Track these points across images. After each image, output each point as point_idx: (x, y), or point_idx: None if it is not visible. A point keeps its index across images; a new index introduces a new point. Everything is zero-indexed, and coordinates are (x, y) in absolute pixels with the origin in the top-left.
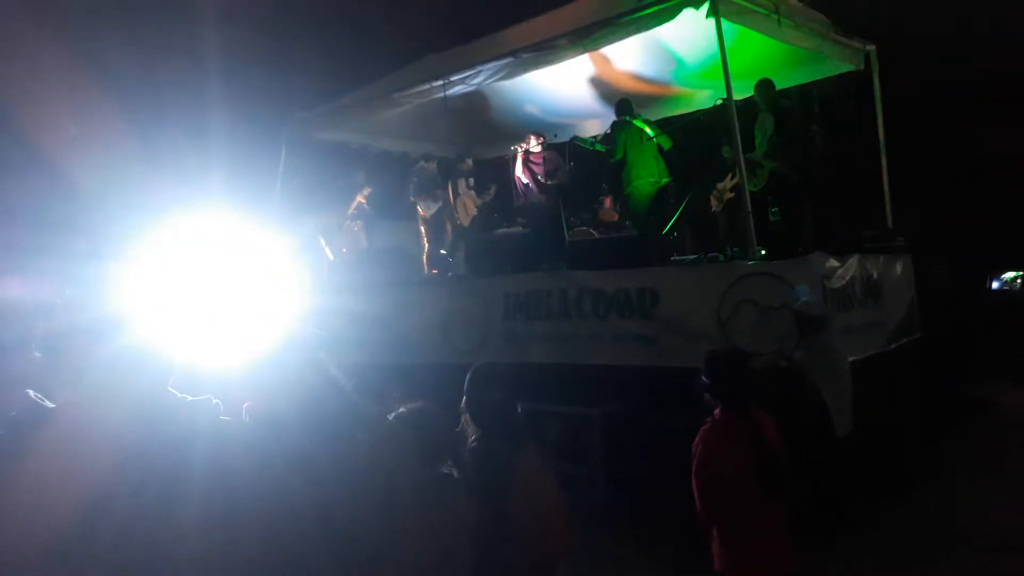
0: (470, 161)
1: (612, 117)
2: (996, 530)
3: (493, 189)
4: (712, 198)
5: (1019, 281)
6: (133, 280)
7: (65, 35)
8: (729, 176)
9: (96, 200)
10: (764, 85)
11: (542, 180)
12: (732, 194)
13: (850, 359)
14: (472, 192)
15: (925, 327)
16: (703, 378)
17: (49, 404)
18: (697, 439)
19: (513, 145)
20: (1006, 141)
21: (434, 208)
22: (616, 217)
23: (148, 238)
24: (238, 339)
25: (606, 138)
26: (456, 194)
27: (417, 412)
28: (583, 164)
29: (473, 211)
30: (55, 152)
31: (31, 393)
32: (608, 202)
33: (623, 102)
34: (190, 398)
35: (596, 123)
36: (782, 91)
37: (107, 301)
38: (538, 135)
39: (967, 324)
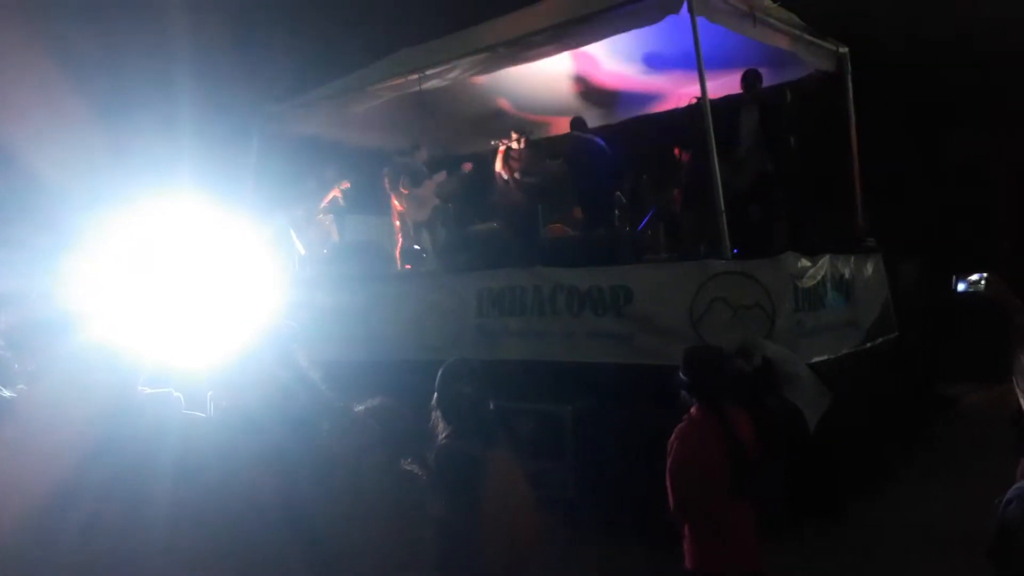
0: (424, 152)
1: (589, 113)
2: (962, 527)
3: (469, 166)
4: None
5: (982, 282)
6: (99, 274)
7: (30, 24)
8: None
9: (61, 193)
10: (751, 76)
11: (518, 178)
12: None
13: (824, 357)
14: (431, 183)
15: (899, 327)
16: (681, 375)
17: (6, 393)
18: (673, 436)
19: (493, 141)
20: (972, 142)
21: (408, 203)
22: None
23: (115, 231)
24: (208, 334)
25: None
26: (404, 190)
27: (376, 409)
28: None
29: (435, 201)
30: (18, 143)
31: None
32: None
33: (577, 120)
34: (148, 390)
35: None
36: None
37: (72, 295)
38: (519, 132)
39: (936, 324)
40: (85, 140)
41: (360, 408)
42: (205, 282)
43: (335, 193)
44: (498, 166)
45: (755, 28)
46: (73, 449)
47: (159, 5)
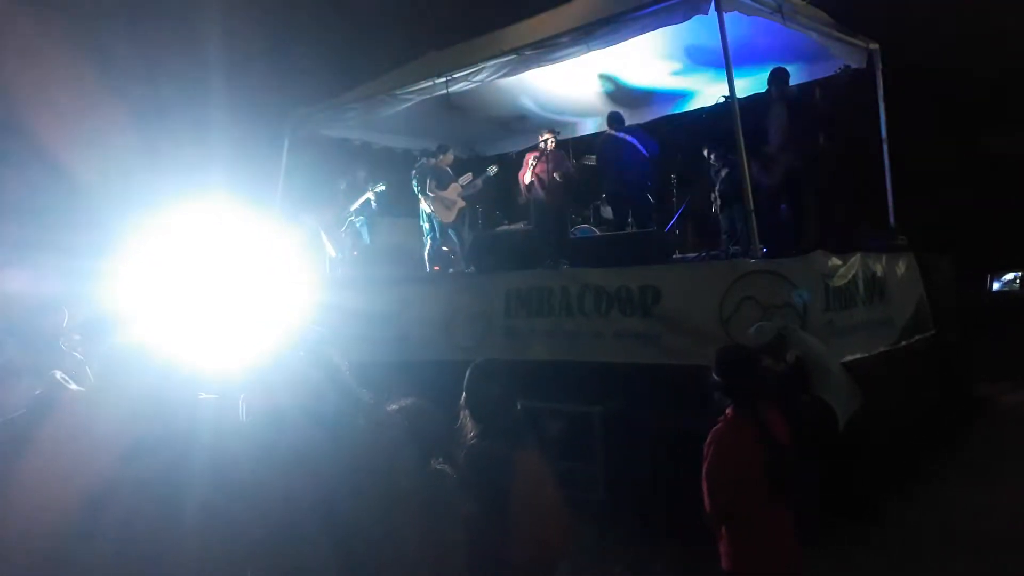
0: (450, 155)
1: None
2: (996, 529)
3: (494, 169)
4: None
5: (1018, 282)
6: (135, 275)
7: (67, 28)
8: None
9: (98, 195)
10: (778, 74)
11: (552, 176)
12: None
13: (858, 356)
14: (457, 185)
15: (936, 325)
16: (714, 376)
17: (73, 386)
18: (709, 439)
19: (523, 146)
20: (1005, 140)
21: (437, 204)
22: None
23: (150, 234)
24: (242, 334)
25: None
26: (431, 192)
27: (408, 409)
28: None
29: (461, 204)
30: (56, 147)
31: (57, 374)
32: None
33: (614, 115)
34: (203, 395)
35: (598, 121)
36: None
37: (110, 297)
38: (552, 131)
39: (970, 323)
40: (121, 144)
41: (393, 407)
42: (237, 284)
43: (368, 196)
44: (527, 176)
45: (784, 25)
46: (111, 447)
47: (193, 11)
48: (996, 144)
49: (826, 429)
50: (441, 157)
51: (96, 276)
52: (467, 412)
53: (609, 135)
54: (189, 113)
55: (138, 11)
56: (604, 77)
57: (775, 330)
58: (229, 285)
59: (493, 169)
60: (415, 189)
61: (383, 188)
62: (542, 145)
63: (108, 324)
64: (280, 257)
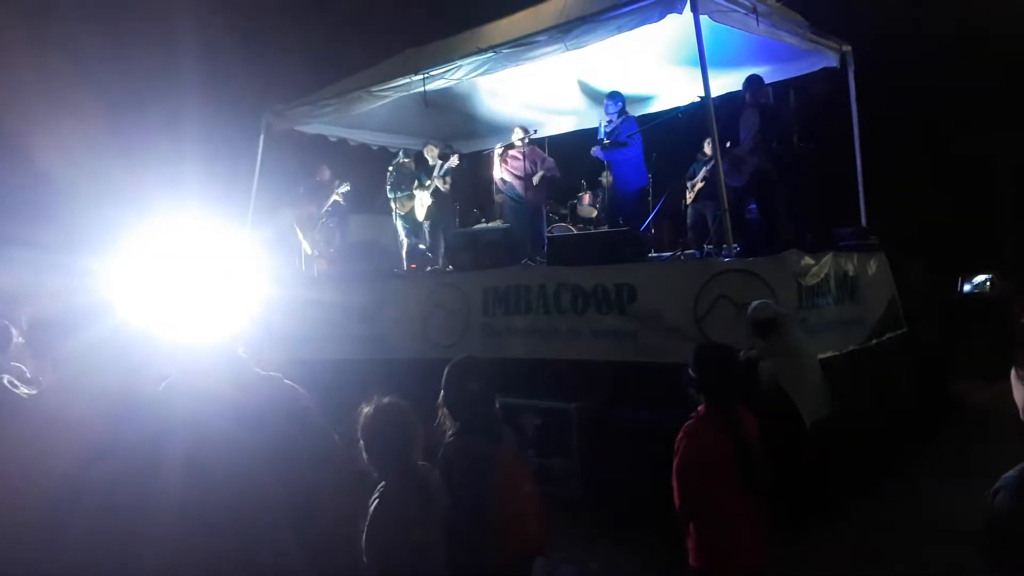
0: (455, 158)
1: (591, 113)
2: (963, 525)
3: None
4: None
5: (988, 284)
6: (106, 271)
7: (40, 23)
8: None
9: (69, 190)
10: (753, 80)
11: (530, 174)
12: (703, 183)
13: (829, 354)
14: (442, 179)
15: (909, 323)
16: (690, 373)
17: (23, 391)
18: (680, 434)
19: (498, 144)
20: (976, 143)
21: (410, 205)
22: (594, 213)
23: (122, 229)
24: (213, 330)
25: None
26: (428, 183)
27: (385, 409)
28: (561, 159)
29: (443, 200)
30: (28, 142)
31: (4, 379)
32: (587, 198)
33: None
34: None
35: (573, 119)
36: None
37: (81, 291)
38: (525, 129)
39: (942, 323)
40: (92, 137)
41: (367, 408)
42: (210, 281)
43: (335, 197)
44: (496, 168)
45: (759, 27)
46: (82, 447)
47: (168, 5)
48: (966, 146)
49: (788, 428)
50: (450, 158)
51: (66, 271)
52: (445, 410)
53: (630, 118)
54: (163, 108)
55: (111, 4)
56: (579, 76)
57: (775, 312)
58: (201, 282)
59: (455, 160)
60: (388, 190)
61: (348, 188)
62: (518, 143)
63: (73, 320)
64: (253, 254)
